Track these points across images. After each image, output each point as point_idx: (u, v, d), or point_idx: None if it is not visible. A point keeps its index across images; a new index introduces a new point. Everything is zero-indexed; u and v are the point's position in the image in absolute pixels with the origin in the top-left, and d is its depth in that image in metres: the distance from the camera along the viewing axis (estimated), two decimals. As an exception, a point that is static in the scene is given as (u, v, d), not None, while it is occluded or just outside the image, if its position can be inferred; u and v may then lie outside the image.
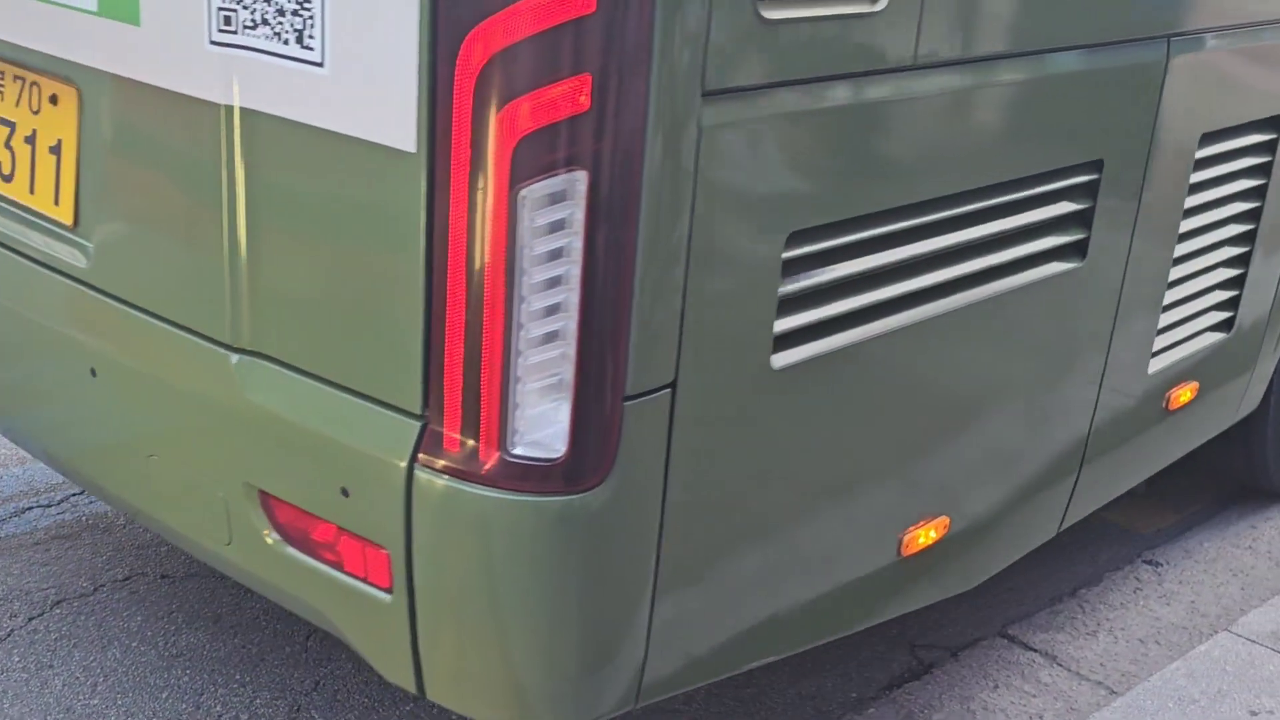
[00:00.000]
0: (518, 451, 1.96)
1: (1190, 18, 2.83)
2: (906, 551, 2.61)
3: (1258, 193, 3.33)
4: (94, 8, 2.25)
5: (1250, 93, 3.15)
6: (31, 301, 2.60)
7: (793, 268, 2.15)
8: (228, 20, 2.07)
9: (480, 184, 1.87)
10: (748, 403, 2.15)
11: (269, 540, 2.26)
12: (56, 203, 2.55)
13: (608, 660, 2.11)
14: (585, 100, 1.81)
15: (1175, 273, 3.14)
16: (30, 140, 2.59)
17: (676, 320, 1.99)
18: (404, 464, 2.02)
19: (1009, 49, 2.40)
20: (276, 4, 2.01)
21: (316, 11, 1.97)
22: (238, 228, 2.15)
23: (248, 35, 2.05)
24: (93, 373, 2.47)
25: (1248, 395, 3.69)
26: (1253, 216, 3.35)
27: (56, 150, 2.53)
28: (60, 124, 2.51)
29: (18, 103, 2.60)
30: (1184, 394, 3.36)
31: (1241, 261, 3.39)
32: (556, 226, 1.86)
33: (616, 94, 1.81)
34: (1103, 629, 3.39)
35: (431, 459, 2.00)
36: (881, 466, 2.49)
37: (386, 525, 2.07)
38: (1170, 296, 3.16)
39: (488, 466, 1.97)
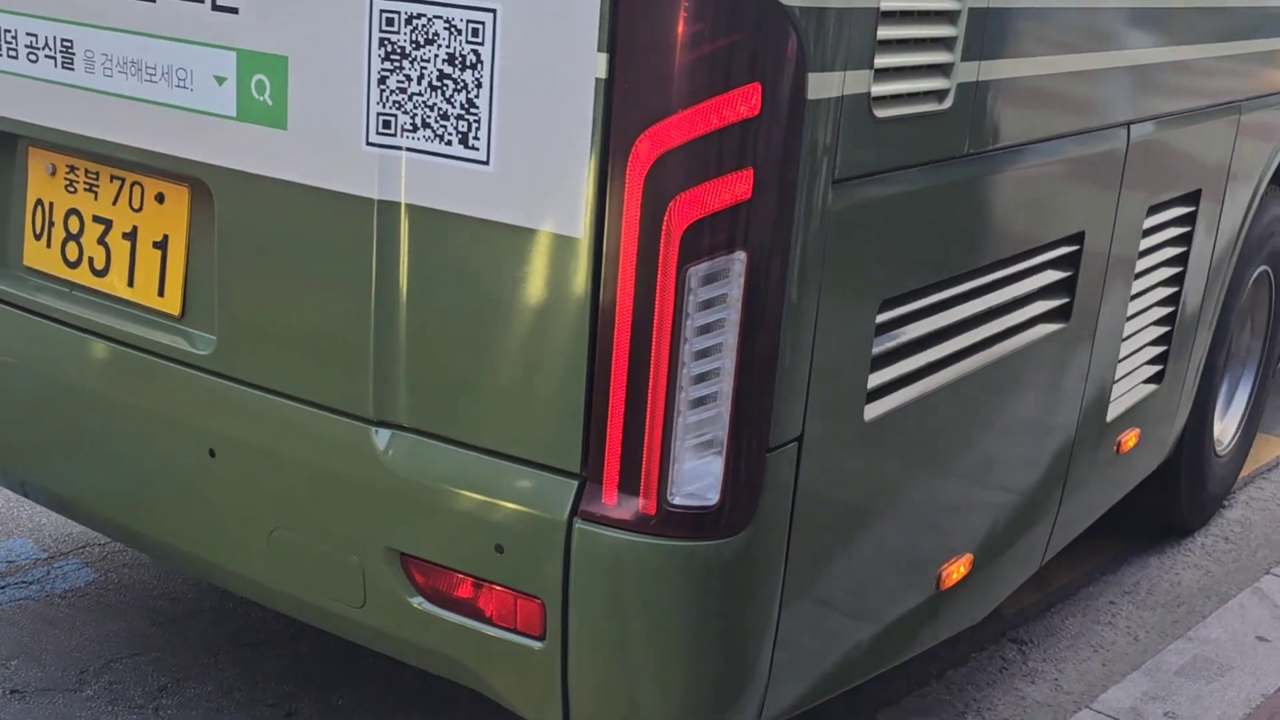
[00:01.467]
0: (676, 502, 2.20)
1: (1144, 106, 3.24)
2: (944, 585, 2.91)
3: (1182, 258, 3.76)
4: (233, 114, 2.44)
5: (1181, 170, 3.58)
6: (128, 387, 2.73)
7: (881, 330, 2.45)
8: (387, 124, 2.29)
9: (649, 265, 2.12)
10: (847, 452, 2.43)
11: (411, 601, 2.44)
12: (161, 294, 2.71)
13: (743, 689, 2.35)
14: (747, 191, 2.08)
15: (1127, 329, 3.54)
16: (130, 236, 2.74)
17: (805, 381, 2.27)
18: (564, 519, 2.25)
19: (1032, 138, 2.76)
20: (439, 109, 2.23)
21: (483, 117, 2.20)
22: (388, 309, 2.35)
23: (408, 137, 2.27)
24: (211, 453, 2.62)
25: (1170, 439, 4.11)
26: (1178, 279, 3.78)
27: (162, 245, 2.69)
28: (167, 220, 2.67)
29: (115, 201, 2.75)
30: (1131, 439, 3.75)
31: (1169, 319, 3.81)
32: (717, 301, 2.13)
33: (773, 185, 2.09)
34: (970, 710, 3.49)
35: (592, 513, 2.23)
36: (933, 506, 2.79)
37: (543, 577, 2.29)
38: (1123, 350, 3.55)
39: (648, 517, 2.21)
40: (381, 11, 2.25)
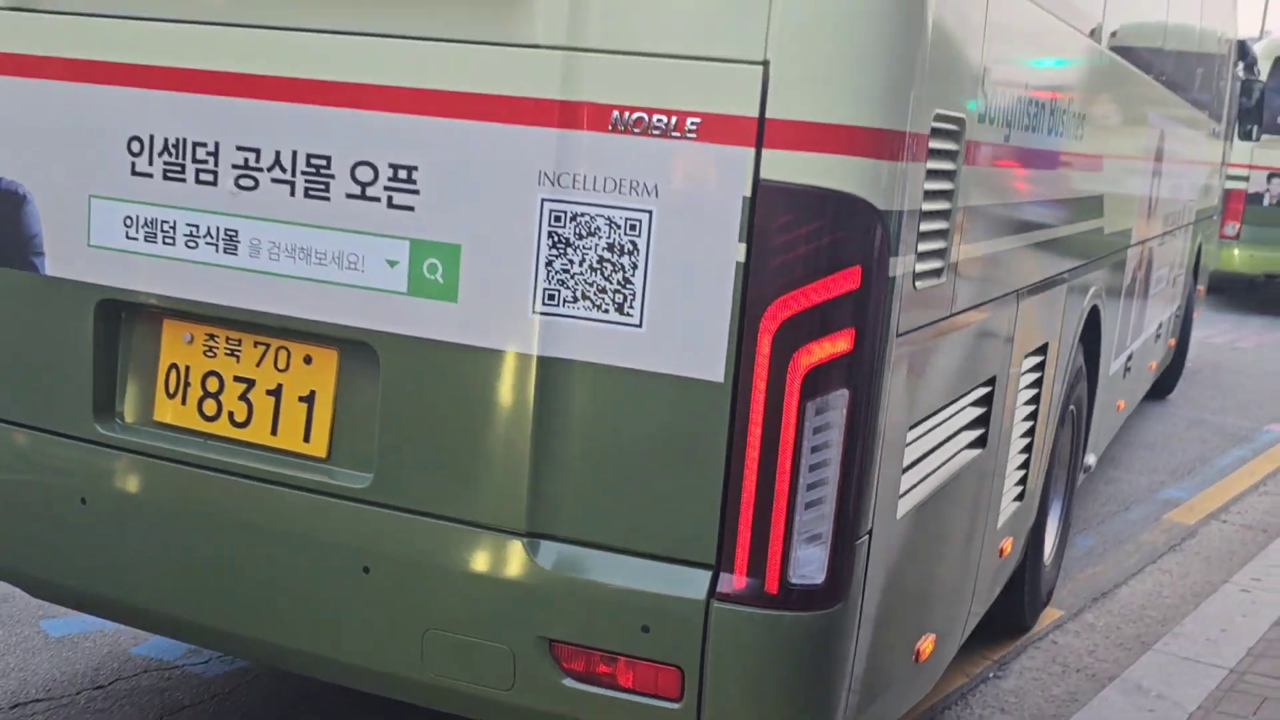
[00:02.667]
0: (793, 582, 2.87)
1: (1026, 278, 4.15)
2: (920, 659, 3.64)
3: (1036, 397, 4.67)
4: (404, 290, 3.03)
5: (1040, 327, 4.51)
6: (272, 520, 3.23)
7: (910, 446, 3.20)
8: (551, 297, 2.93)
9: (776, 401, 2.81)
10: (888, 542, 3.15)
11: (561, 681, 3.01)
12: (307, 440, 3.23)
13: None
14: (850, 345, 2.81)
15: (1010, 453, 4.40)
16: (274, 393, 3.26)
17: (874, 487, 2.98)
18: (703, 600, 2.88)
19: (976, 301, 3.60)
20: (599, 285, 2.89)
21: (637, 290, 2.87)
22: (544, 442, 2.96)
23: (569, 307, 2.92)
24: (365, 570, 3.14)
25: (1021, 547, 4.99)
26: (1034, 413, 4.69)
27: (308, 399, 3.23)
28: (315, 378, 3.22)
29: (258, 363, 3.27)
30: (1008, 545, 4.60)
31: (1029, 446, 4.71)
32: (825, 428, 2.83)
33: (867, 340, 2.83)
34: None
35: (726, 594, 2.88)
36: (917, 589, 3.53)
37: (683, 649, 2.91)
38: (1007, 471, 4.41)
39: (772, 595, 2.87)
40: (550, 210, 2.90)
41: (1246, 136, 13.26)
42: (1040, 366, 4.65)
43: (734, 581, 2.89)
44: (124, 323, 3.42)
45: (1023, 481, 4.72)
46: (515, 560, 3.02)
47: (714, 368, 2.85)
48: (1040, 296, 4.42)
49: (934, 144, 2.97)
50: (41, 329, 3.46)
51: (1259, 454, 9.21)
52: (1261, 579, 6.27)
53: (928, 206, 3.02)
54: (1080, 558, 6.41)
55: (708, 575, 2.91)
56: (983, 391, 3.88)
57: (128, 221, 3.31)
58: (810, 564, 2.88)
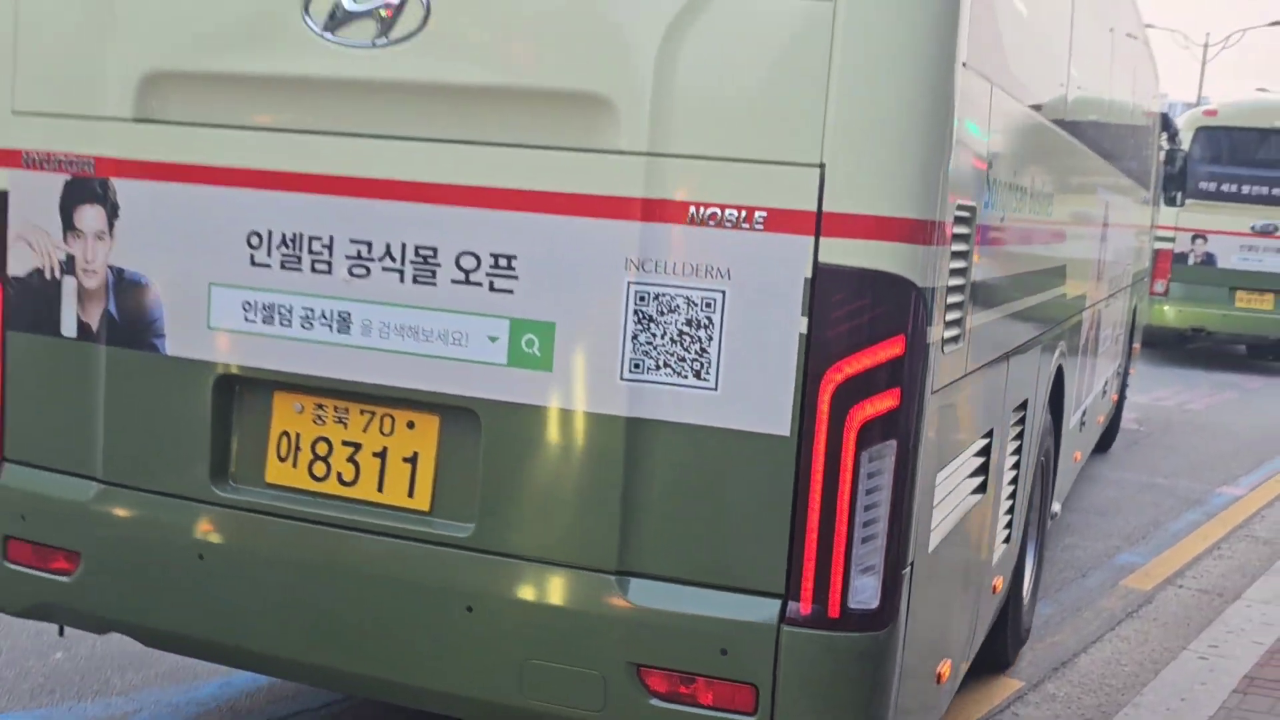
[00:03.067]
0: (852, 607, 3.34)
1: (1013, 341, 4.68)
2: (940, 680, 4.12)
3: (1020, 448, 5.20)
4: (503, 362, 3.49)
5: (1025, 383, 5.04)
6: (381, 567, 3.66)
7: (938, 488, 3.69)
8: (636, 366, 3.40)
9: (835, 452, 3.29)
10: (923, 572, 3.64)
11: (649, 701, 3.45)
12: (411, 496, 3.67)
13: None
14: (896, 403, 3.30)
15: (1001, 497, 4.91)
16: (380, 455, 3.70)
17: (914, 524, 3.47)
18: (775, 625, 3.35)
19: (979, 363, 4.11)
20: (677, 355, 3.37)
21: (712, 359, 3.35)
22: (633, 491, 3.41)
23: (652, 375, 3.39)
24: (469, 609, 3.57)
25: (1006, 586, 5.49)
26: (1018, 463, 5.21)
27: (412, 460, 3.67)
28: (418, 441, 3.66)
29: (365, 429, 3.71)
30: (999, 583, 5.10)
31: (1014, 493, 5.22)
32: (877, 474, 3.31)
33: (910, 397, 3.32)
34: None
35: (794, 619, 3.34)
36: (942, 615, 4.01)
37: (757, 669, 3.37)
38: (999, 514, 4.92)
39: (834, 619, 3.34)
40: (636, 291, 3.38)
41: (1171, 202, 14.09)
42: (1022, 420, 5.18)
43: (801, 608, 3.36)
44: (238, 395, 3.85)
45: (1009, 525, 5.23)
46: (607, 595, 3.47)
47: (781, 424, 3.33)
48: (1023, 356, 4.95)
49: (955, 230, 3.49)
50: (162, 403, 3.88)
51: (1212, 517, 9.38)
52: (1219, 645, 6.38)
53: (951, 282, 3.54)
54: (1039, 626, 6.56)
55: (778, 603, 3.37)
56: (984, 443, 4.39)
57: (246, 306, 3.74)
58: (866, 591, 3.35)
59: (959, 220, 3.53)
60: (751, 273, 3.31)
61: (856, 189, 3.23)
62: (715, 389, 3.38)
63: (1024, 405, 5.18)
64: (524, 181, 3.45)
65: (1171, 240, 17.26)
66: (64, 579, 4.06)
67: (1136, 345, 12.09)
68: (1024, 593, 5.95)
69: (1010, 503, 5.19)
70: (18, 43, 3.98)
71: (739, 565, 3.41)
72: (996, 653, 5.77)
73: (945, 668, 4.16)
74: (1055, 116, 5.22)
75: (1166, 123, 12.80)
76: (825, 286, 3.27)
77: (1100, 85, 6.78)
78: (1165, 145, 12.72)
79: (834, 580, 3.35)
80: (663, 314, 3.38)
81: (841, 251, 3.25)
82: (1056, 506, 6.89)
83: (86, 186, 3.92)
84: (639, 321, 3.40)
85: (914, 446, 3.37)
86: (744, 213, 3.29)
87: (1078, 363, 6.98)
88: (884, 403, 3.30)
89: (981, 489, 4.44)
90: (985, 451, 4.45)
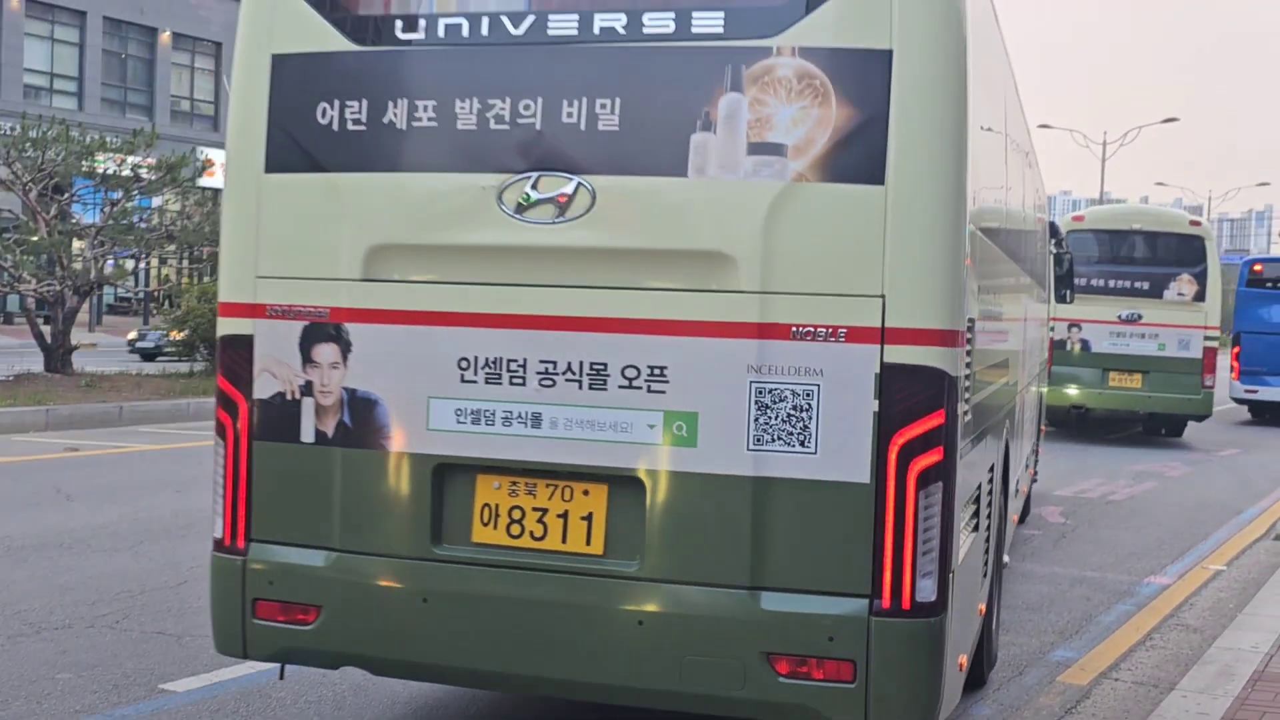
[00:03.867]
0: (918, 601, 4.79)
1: (992, 416, 6.22)
2: (960, 669, 5.57)
3: (990, 502, 6.72)
4: (659, 442, 4.92)
5: (993, 450, 6.58)
6: (569, 598, 5.03)
7: (963, 521, 5.18)
8: (758, 439, 4.85)
9: (901, 492, 4.76)
10: (957, 579, 5.10)
11: (777, 679, 4.85)
12: (588, 544, 5.06)
13: (942, 691, 4.90)
14: (940, 457, 4.79)
15: (983, 539, 6.41)
16: (563, 516, 5.10)
17: (954, 543, 4.93)
18: (866, 616, 4.79)
19: (980, 429, 5.63)
20: (787, 430, 4.82)
21: (812, 433, 4.82)
22: (760, 528, 4.84)
23: (769, 445, 4.84)
24: (639, 623, 4.96)
25: (984, 614, 6.98)
26: (990, 515, 6.73)
27: (588, 519, 5.07)
28: (591, 504, 5.07)
29: (550, 498, 5.11)
30: (981, 609, 6.59)
31: (989, 539, 6.74)
32: (932, 506, 4.79)
33: (949, 453, 4.81)
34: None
35: (879, 611, 4.78)
36: (962, 618, 5.48)
37: (855, 648, 4.79)
38: (987, 549, 6.42)
39: (906, 610, 4.79)
40: (755, 387, 4.84)
41: (1062, 300, 16.02)
42: (991, 480, 6.70)
43: (883, 603, 4.81)
44: (450, 478, 5.22)
45: (986, 563, 6.73)
46: (743, 604, 4.89)
47: (862, 474, 4.80)
48: (994, 428, 6.50)
49: (967, 335, 5.02)
50: (390, 487, 5.24)
51: (1142, 607, 9.64)
52: (1158, 738, 6.56)
53: (965, 372, 5.05)
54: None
55: (866, 601, 4.82)
56: (977, 492, 5.89)
57: (458, 412, 5.14)
58: (927, 589, 4.81)
59: (969, 327, 5.06)
60: (838, 371, 4.80)
61: (907, 311, 4.75)
62: (815, 453, 4.84)
63: (992, 469, 6.71)
64: (670, 314, 4.91)
65: (1052, 329, 19.36)
66: (306, 628, 5.37)
67: (1044, 426, 13.98)
68: (993, 624, 7.45)
69: (986, 544, 6.69)
70: (260, 225, 5.35)
71: (837, 575, 4.85)
72: (974, 671, 7.23)
73: (963, 660, 5.62)
74: (995, 239, 6.81)
75: (1054, 230, 14.72)
76: (889, 378, 4.76)
77: (1016, 204, 8.46)
78: (1054, 250, 14.55)
79: (905, 583, 4.80)
80: (776, 402, 4.84)
81: (900, 354, 4.75)
82: (1006, 558, 8.42)
83: (323, 330, 5.30)
84: (759, 408, 4.85)
85: (952, 488, 4.85)
86: (830, 330, 4.79)
87: (1016, 437, 8.59)
88: (933, 457, 4.79)
89: (975, 528, 5.93)
90: (977, 500, 5.96)
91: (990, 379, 6.42)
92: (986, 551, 6.71)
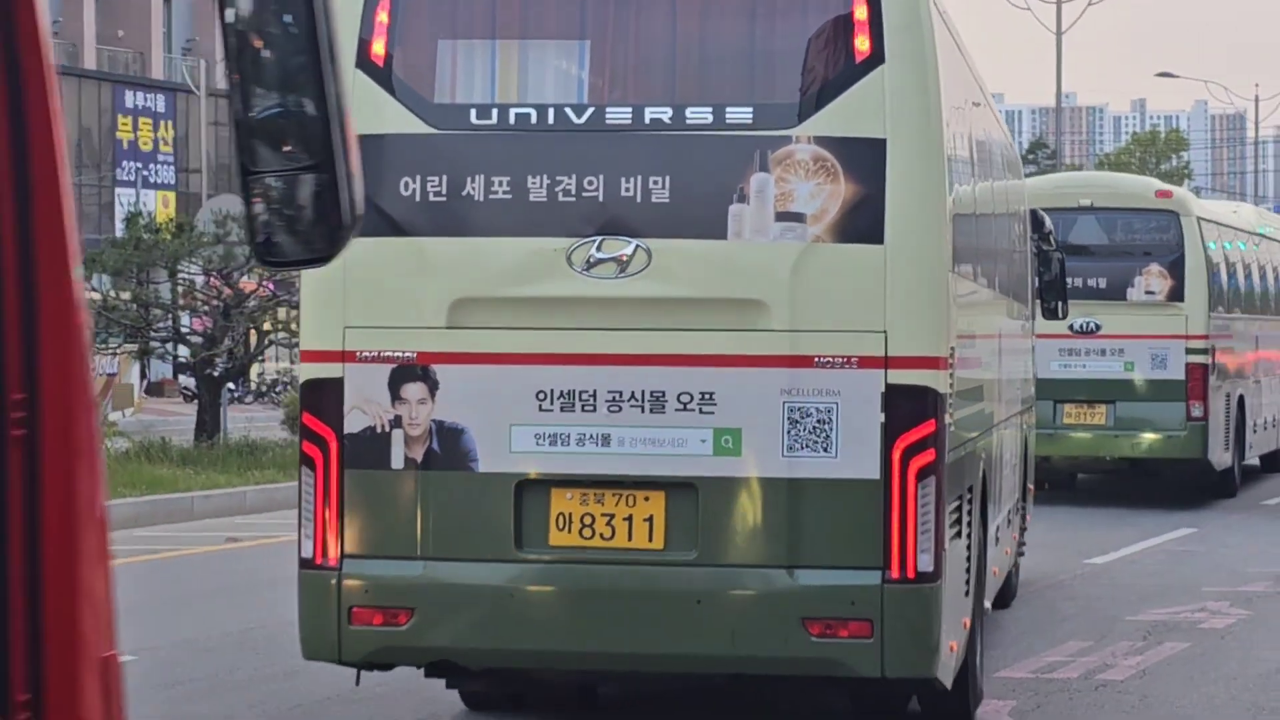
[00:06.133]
0: (920, 570, 6.06)
1: (974, 429, 7.55)
2: (952, 650, 6.82)
3: (970, 524, 8.03)
4: (710, 453, 6.11)
5: (972, 469, 7.91)
6: (637, 585, 6.16)
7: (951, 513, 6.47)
8: (790, 448, 6.09)
9: (903, 483, 6.03)
10: (948, 556, 6.37)
11: (810, 639, 6.05)
12: (650, 540, 6.21)
13: (941, 644, 6.16)
14: (933, 456, 6.08)
15: (962, 555, 7.72)
16: (628, 519, 6.23)
17: (945, 526, 6.20)
18: (879, 584, 6.03)
19: (961, 440, 6.95)
20: (813, 439, 6.06)
21: (834, 440, 6.07)
22: (796, 514, 6.05)
23: (799, 452, 6.08)
24: (698, 601, 6.11)
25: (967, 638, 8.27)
26: (970, 538, 8.05)
27: (649, 520, 6.22)
28: (652, 508, 6.22)
29: (616, 504, 6.25)
30: (966, 622, 7.86)
31: (967, 559, 8.04)
32: (927, 493, 6.07)
33: (940, 454, 6.10)
34: None
35: (889, 579, 6.03)
36: (953, 603, 6.77)
37: (873, 610, 6.03)
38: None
39: (910, 579, 6.04)
40: (787, 406, 6.08)
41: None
42: (970, 501, 7.62)
43: (892, 574, 6.05)
44: (527, 492, 6.31)
45: (966, 582, 7.62)
46: (781, 581, 6.09)
47: (873, 472, 6.07)
48: (971, 455, 7.60)
49: (950, 359, 6.34)
50: (475, 502, 6.31)
51: None
52: None
53: (949, 391, 6.37)
54: None
55: (879, 572, 6.06)
56: (957, 503, 7.03)
57: (536, 436, 6.25)
58: (926, 561, 6.08)
59: (951, 353, 6.38)
60: (852, 391, 6.07)
61: (905, 342, 6.05)
62: (836, 457, 6.09)
63: (970, 490, 7.69)
64: (716, 349, 6.14)
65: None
66: (400, 629, 6.37)
67: (1031, 486, 11.18)
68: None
69: (966, 563, 7.57)
70: (346, 282, 6.38)
71: (855, 553, 6.08)
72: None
73: (953, 644, 6.83)
74: (976, 273, 7.83)
75: (1037, 221, 11.63)
76: (892, 396, 6.05)
77: (996, 231, 9.11)
78: (1038, 247, 11.58)
79: (909, 556, 6.06)
80: (804, 418, 6.09)
81: (900, 376, 6.05)
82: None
83: (411, 371, 6.36)
84: (790, 423, 6.09)
85: (943, 482, 6.14)
86: (845, 359, 6.06)
87: (995, 471, 8.76)
88: (927, 457, 6.08)
89: (957, 535, 7.11)
90: (958, 509, 7.08)
91: (966, 403, 7.33)
92: (968, 569, 7.37)
